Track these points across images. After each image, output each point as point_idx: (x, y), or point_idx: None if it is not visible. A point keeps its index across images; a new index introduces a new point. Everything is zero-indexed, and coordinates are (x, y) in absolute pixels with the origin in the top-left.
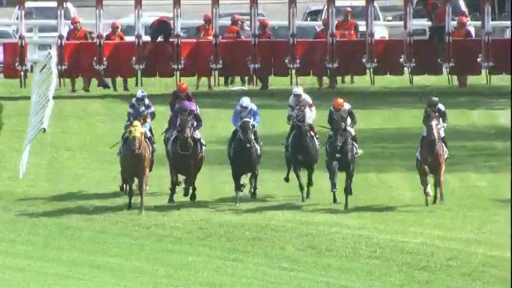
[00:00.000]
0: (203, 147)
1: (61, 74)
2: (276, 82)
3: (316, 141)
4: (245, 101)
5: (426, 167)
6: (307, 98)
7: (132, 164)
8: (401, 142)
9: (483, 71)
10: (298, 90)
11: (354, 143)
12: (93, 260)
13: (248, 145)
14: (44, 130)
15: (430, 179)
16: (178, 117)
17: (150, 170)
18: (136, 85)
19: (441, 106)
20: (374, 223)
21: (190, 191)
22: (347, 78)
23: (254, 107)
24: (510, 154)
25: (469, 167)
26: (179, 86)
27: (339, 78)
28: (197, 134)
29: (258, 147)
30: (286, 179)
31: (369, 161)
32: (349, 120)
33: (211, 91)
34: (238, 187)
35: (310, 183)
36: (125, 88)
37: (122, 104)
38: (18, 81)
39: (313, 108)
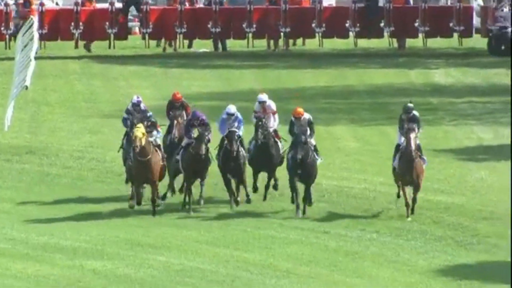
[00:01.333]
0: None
1: (41, 37)
2: (234, 44)
3: (279, 145)
4: (232, 108)
5: (404, 180)
6: (271, 105)
7: (139, 171)
8: (346, 98)
9: (420, 35)
10: (263, 97)
11: (315, 153)
12: (71, 204)
13: (234, 154)
14: (27, 87)
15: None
16: (190, 127)
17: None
18: (109, 47)
19: (415, 113)
20: (322, 170)
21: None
22: (299, 41)
23: (239, 115)
24: (510, 150)
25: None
26: (174, 96)
27: (291, 41)
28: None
29: (244, 154)
30: (255, 188)
31: (317, 115)
32: (308, 131)
33: (176, 53)
34: (232, 193)
35: (268, 185)
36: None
37: (97, 64)
38: (4, 43)
39: (276, 115)
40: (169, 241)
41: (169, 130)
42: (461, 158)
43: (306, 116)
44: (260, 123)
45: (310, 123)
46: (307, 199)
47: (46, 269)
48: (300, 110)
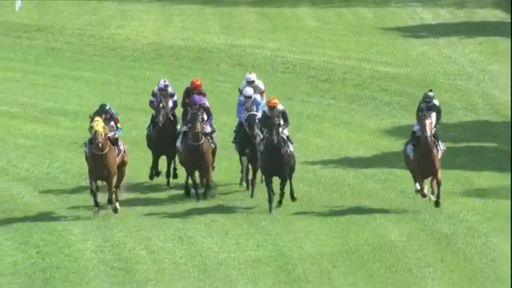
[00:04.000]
0: (214, 139)
1: None
2: None
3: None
4: (248, 91)
5: (421, 171)
6: (260, 84)
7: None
8: None
9: None
10: (252, 76)
11: (289, 143)
12: (72, 74)
13: (255, 139)
14: None
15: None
16: (188, 111)
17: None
18: None
19: (436, 102)
20: (287, 45)
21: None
22: None
23: (258, 97)
24: (510, 152)
25: (358, 3)
26: (193, 83)
27: None
28: (208, 128)
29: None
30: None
31: None
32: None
33: None
34: (246, 176)
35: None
36: None
37: None
38: None
39: (264, 95)
40: None
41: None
42: (405, 35)
43: (280, 107)
44: (273, 123)
45: (283, 114)
46: (290, 195)
47: (52, 130)
48: (275, 100)
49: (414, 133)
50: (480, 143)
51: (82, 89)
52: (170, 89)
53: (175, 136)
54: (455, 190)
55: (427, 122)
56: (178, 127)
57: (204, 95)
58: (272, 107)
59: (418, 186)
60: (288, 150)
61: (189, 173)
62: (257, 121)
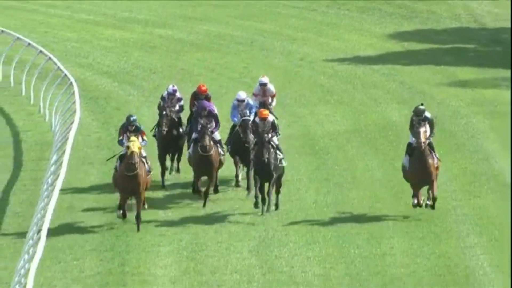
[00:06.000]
0: (223, 149)
1: None
2: None
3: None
4: (241, 94)
5: (417, 179)
6: (271, 87)
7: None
8: None
9: None
10: (264, 79)
11: (278, 151)
12: None
13: (246, 144)
14: None
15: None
16: (198, 120)
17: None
18: None
19: (427, 114)
20: None
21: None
22: None
23: (250, 100)
24: (510, 152)
25: None
26: (199, 88)
27: None
28: (217, 136)
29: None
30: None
31: None
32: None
33: None
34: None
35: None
36: None
37: None
38: None
39: (275, 98)
40: None
41: (192, 125)
42: None
43: (270, 118)
44: (263, 139)
45: (273, 125)
46: (275, 205)
47: (127, 35)
48: (266, 112)
49: (410, 144)
50: (462, 45)
51: (151, 2)
52: (178, 94)
53: (179, 137)
54: (443, 82)
55: (421, 130)
56: (181, 129)
57: (210, 100)
58: (263, 119)
59: (415, 201)
60: (278, 159)
61: (196, 178)
62: (250, 126)
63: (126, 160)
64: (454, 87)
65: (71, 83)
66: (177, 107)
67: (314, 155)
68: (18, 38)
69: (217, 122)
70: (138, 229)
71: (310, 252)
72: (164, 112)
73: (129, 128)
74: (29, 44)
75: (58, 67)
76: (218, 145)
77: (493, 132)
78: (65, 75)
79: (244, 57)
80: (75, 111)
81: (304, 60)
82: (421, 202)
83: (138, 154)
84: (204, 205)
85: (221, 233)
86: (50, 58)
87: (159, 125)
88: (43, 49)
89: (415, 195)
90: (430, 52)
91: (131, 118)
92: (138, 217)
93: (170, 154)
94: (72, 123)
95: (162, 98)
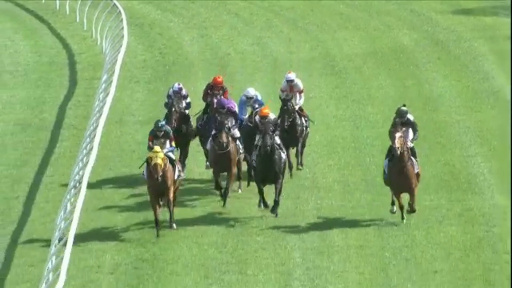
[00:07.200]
0: (241, 147)
1: None
2: None
3: (303, 122)
4: (251, 91)
5: (396, 185)
6: (299, 83)
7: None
8: None
9: None
10: (291, 75)
11: (281, 150)
12: None
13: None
14: None
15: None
16: (216, 117)
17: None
18: None
19: (410, 117)
20: None
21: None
22: None
23: (259, 96)
24: (510, 152)
25: None
26: (215, 80)
27: None
28: (236, 133)
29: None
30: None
31: None
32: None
33: None
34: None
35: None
36: None
37: None
38: None
39: (302, 94)
40: None
41: (205, 112)
42: None
43: (271, 116)
44: (285, 107)
45: (274, 123)
46: (271, 208)
47: None
48: (266, 110)
49: (390, 147)
50: None
51: None
52: (183, 92)
53: (187, 133)
54: (448, 10)
55: (397, 135)
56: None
57: (226, 91)
58: (264, 117)
59: (394, 209)
60: (281, 156)
61: (215, 174)
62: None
63: (150, 172)
64: (458, 14)
65: (119, 12)
66: (184, 104)
67: (334, 75)
68: None
69: (236, 119)
70: (170, 226)
71: (331, 160)
72: (174, 109)
73: (158, 134)
74: None
75: None
76: (237, 142)
77: (493, 55)
78: (114, 4)
79: None
80: (123, 36)
81: None
82: (403, 204)
83: (162, 165)
84: (223, 205)
85: None
86: None
87: (168, 121)
88: None
89: (394, 202)
90: None
91: (159, 124)
92: (171, 217)
93: (179, 150)
94: (120, 46)
95: (168, 96)
